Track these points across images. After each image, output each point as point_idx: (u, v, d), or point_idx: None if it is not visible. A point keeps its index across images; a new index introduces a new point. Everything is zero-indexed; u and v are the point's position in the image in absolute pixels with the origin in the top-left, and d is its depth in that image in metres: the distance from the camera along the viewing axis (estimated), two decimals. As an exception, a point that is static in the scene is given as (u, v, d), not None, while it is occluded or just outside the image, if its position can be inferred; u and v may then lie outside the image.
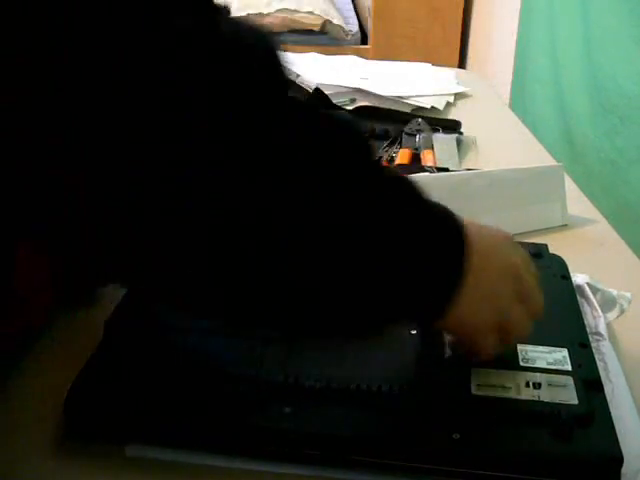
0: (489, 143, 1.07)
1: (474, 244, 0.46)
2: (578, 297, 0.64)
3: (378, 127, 1.12)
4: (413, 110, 1.20)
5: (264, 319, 0.44)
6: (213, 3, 0.42)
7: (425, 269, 0.44)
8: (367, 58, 1.52)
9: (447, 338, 0.53)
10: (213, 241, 0.39)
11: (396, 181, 0.46)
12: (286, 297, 0.42)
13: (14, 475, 0.47)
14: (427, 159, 1.01)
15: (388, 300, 0.44)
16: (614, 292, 0.68)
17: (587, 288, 0.67)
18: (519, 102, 1.82)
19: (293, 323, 0.45)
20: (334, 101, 1.20)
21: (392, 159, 1.03)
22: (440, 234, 0.46)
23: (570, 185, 0.93)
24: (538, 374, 0.50)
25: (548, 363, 0.51)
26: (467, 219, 0.48)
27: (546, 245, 0.68)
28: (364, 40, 2.70)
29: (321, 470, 0.47)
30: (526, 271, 0.50)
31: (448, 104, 1.24)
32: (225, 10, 0.43)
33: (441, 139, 1.07)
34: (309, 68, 1.29)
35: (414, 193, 0.46)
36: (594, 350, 0.58)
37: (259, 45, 0.42)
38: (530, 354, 0.52)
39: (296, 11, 2.54)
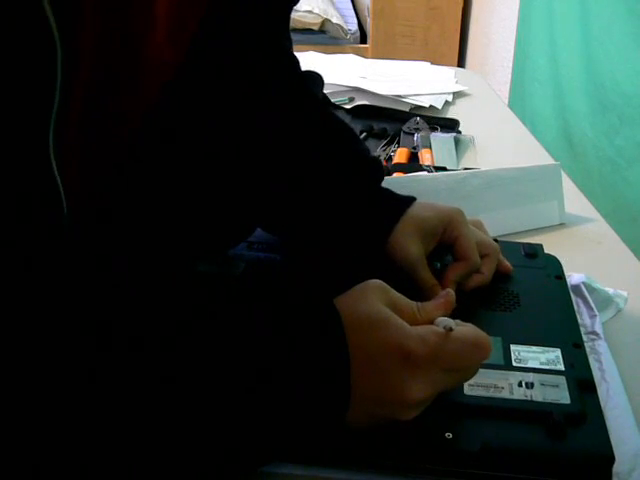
0: (487, 142, 1.07)
1: (352, 346, 0.43)
2: (574, 296, 0.64)
3: (376, 126, 1.12)
4: (412, 109, 1.20)
5: None
6: None
7: (314, 407, 0.42)
8: (366, 57, 1.52)
9: None
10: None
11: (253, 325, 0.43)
12: None
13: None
14: (425, 158, 1.01)
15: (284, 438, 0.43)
16: (610, 291, 0.68)
17: (583, 287, 0.67)
18: (518, 101, 1.82)
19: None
20: (333, 100, 1.20)
21: (390, 158, 1.03)
22: (316, 360, 0.42)
23: (568, 184, 0.93)
24: (531, 374, 0.50)
25: (541, 363, 0.51)
26: (342, 304, 0.44)
27: (541, 245, 0.68)
28: (363, 39, 2.70)
29: (318, 470, 0.47)
30: (409, 338, 0.43)
31: (447, 103, 1.24)
32: None
33: (439, 138, 1.07)
34: (308, 67, 1.29)
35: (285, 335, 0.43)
36: (590, 349, 0.58)
37: None
38: (523, 354, 0.52)
39: (295, 10, 2.53)
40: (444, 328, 0.44)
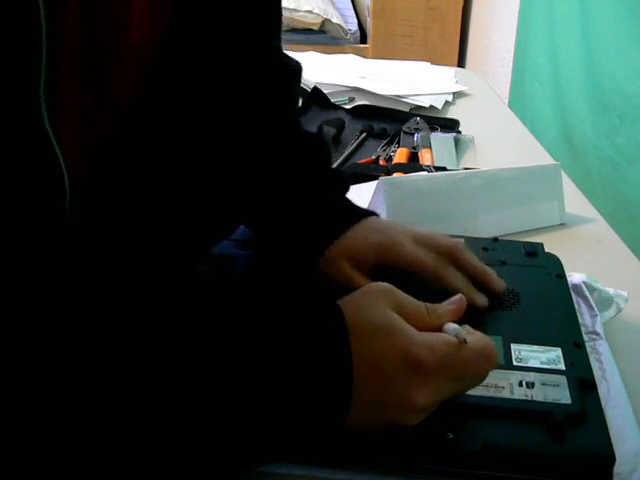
0: (487, 142, 1.07)
1: (355, 353, 0.42)
2: (575, 296, 0.64)
3: (376, 126, 1.12)
4: (412, 109, 1.20)
5: None
6: None
7: (314, 407, 0.42)
8: (366, 57, 1.52)
9: None
10: None
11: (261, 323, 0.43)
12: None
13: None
14: (425, 158, 1.01)
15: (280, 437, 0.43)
16: (611, 291, 0.68)
17: (584, 287, 0.67)
18: (518, 101, 1.82)
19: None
20: (332, 100, 1.20)
21: (390, 158, 1.03)
22: (319, 363, 0.42)
23: (569, 184, 0.93)
24: (531, 373, 0.50)
25: (542, 362, 0.51)
26: (347, 308, 0.44)
27: (542, 244, 0.68)
28: (363, 39, 2.71)
29: (318, 470, 0.47)
30: (416, 346, 0.43)
31: (447, 103, 1.24)
32: None
33: (439, 138, 1.06)
34: (308, 67, 1.29)
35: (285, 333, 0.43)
36: (590, 349, 0.58)
37: None
38: (523, 353, 0.52)
39: (295, 10, 2.54)
40: (457, 338, 0.44)
